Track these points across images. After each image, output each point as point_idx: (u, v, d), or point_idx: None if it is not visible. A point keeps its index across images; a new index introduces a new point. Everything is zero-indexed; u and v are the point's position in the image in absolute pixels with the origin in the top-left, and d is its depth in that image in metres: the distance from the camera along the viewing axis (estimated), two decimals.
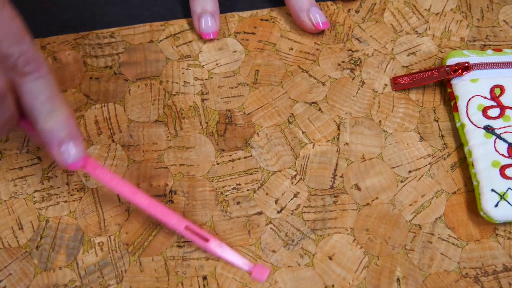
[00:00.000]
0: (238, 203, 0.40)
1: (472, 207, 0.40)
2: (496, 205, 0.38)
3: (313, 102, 0.44)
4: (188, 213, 0.40)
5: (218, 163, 0.42)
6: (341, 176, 0.41)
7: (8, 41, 0.31)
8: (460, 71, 0.42)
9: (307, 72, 0.46)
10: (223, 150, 0.42)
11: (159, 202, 0.37)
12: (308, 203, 0.40)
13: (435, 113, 0.44)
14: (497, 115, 0.41)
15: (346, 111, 0.44)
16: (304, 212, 0.40)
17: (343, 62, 0.46)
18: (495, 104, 0.42)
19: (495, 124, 0.41)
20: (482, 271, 0.38)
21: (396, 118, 0.44)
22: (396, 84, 0.45)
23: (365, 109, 0.44)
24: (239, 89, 0.45)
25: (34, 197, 0.41)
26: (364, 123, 0.43)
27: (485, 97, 0.42)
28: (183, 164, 0.42)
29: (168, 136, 0.43)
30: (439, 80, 0.44)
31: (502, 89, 0.42)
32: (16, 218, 0.40)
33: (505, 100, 0.42)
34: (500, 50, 0.44)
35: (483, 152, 0.40)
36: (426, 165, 0.42)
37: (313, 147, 0.43)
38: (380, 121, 0.44)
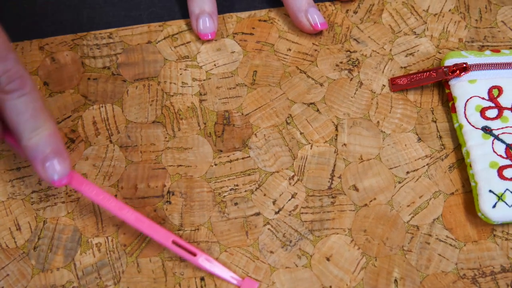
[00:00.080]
0: (236, 204, 0.40)
1: (470, 208, 0.40)
2: (494, 206, 0.38)
3: (311, 103, 0.44)
4: (186, 214, 0.40)
5: (216, 164, 0.42)
6: (339, 177, 0.41)
7: None
8: (458, 72, 0.42)
9: (305, 73, 0.46)
10: (221, 151, 0.42)
11: (145, 216, 0.37)
12: (306, 204, 0.40)
13: (433, 114, 0.44)
14: (495, 116, 0.41)
15: (344, 112, 0.44)
16: (302, 213, 0.40)
17: (341, 63, 0.46)
18: (493, 105, 0.42)
19: (493, 125, 0.41)
20: (480, 272, 0.38)
21: (394, 119, 0.44)
22: (394, 85, 0.45)
23: (363, 110, 0.44)
24: (237, 90, 0.45)
25: (31, 198, 0.41)
26: (362, 124, 0.43)
27: (483, 98, 0.42)
28: (181, 165, 0.42)
29: (166, 137, 0.43)
30: (437, 81, 0.44)
31: (500, 90, 0.42)
32: (14, 219, 0.40)
33: (503, 101, 0.42)
34: (498, 51, 0.44)
35: (481, 153, 0.40)
36: (424, 166, 0.42)
37: (311, 148, 0.42)
38: (378, 122, 0.43)
